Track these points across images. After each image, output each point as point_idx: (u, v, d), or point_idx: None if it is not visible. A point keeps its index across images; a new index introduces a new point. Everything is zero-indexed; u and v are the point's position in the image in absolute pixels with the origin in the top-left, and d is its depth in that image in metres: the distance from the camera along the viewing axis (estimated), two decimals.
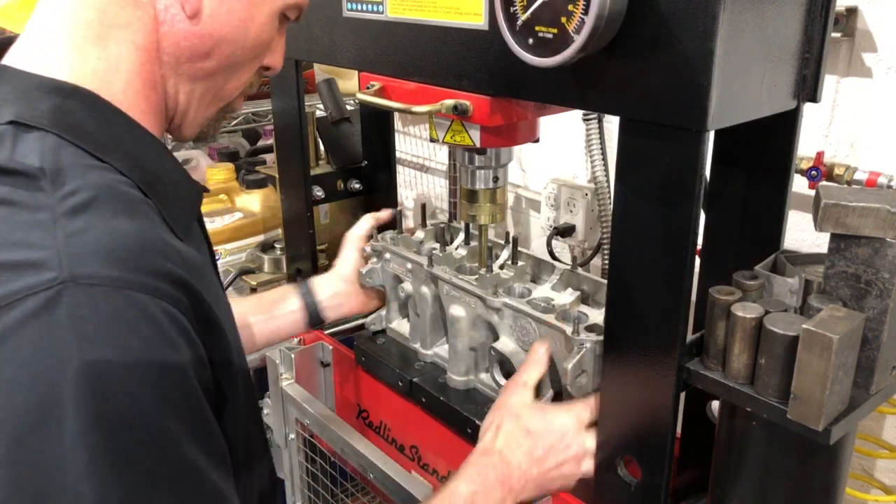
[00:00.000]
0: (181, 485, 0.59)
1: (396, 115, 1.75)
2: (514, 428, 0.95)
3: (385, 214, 1.34)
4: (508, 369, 1.07)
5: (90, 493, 0.53)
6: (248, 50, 0.78)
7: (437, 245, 1.30)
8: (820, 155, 1.27)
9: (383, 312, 1.32)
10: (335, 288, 1.28)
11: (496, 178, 1.12)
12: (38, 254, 0.57)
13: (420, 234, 1.34)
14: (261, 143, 2.92)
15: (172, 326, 0.60)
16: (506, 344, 1.07)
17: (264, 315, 1.22)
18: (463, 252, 1.24)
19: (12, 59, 0.71)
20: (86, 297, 0.56)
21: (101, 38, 0.70)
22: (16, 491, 0.53)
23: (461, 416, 1.10)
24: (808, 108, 0.88)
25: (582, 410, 0.95)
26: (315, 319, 1.27)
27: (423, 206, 1.40)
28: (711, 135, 0.80)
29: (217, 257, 2.01)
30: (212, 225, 2.12)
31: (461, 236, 1.31)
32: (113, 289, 0.57)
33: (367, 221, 1.34)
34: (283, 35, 0.84)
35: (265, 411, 1.53)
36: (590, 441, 0.93)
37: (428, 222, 1.36)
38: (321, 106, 1.65)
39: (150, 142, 0.73)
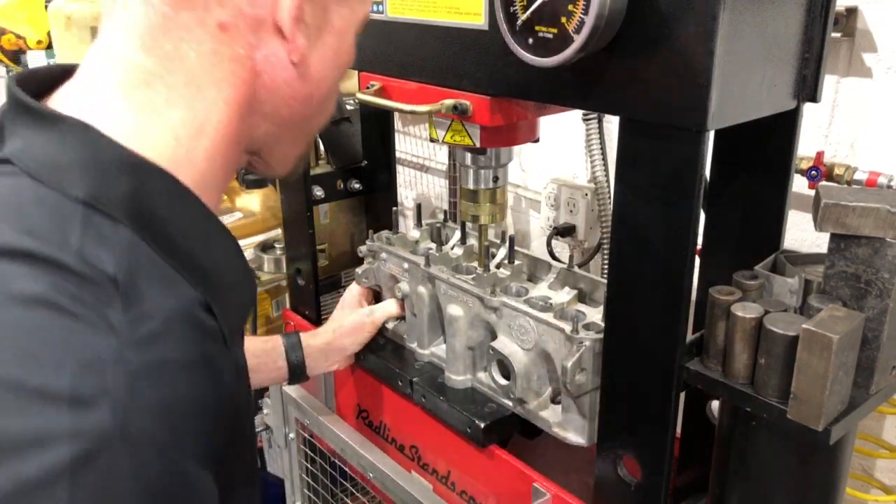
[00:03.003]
0: None
1: (396, 115, 1.75)
2: None
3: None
4: (507, 369, 1.07)
5: None
6: (338, 81, 0.74)
7: (433, 245, 1.30)
8: (820, 155, 1.27)
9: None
10: (325, 352, 1.26)
11: (496, 178, 1.12)
12: (91, 388, 0.49)
13: (415, 234, 1.34)
14: None
15: (208, 498, 0.56)
16: (504, 343, 1.07)
17: (249, 367, 1.20)
18: (459, 251, 1.24)
19: (70, 106, 0.61)
20: (128, 459, 0.49)
21: (187, 101, 0.62)
22: None
23: (460, 416, 1.10)
24: (808, 108, 0.88)
25: None
26: (297, 379, 1.26)
27: (419, 206, 1.40)
28: (711, 135, 0.80)
29: None
30: None
31: (457, 235, 1.31)
32: (159, 454, 0.52)
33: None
34: None
35: (265, 411, 1.53)
36: None
37: (423, 222, 1.36)
38: None
39: (222, 238, 0.66)
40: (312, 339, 1.25)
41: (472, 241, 1.26)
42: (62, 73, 0.65)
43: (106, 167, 0.58)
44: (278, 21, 0.64)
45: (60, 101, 0.62)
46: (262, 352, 1.22)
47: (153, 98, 0.61)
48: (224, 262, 0.65)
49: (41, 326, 0.50)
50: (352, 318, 1.28)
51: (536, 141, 1.08)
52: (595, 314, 1.05)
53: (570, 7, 0.75)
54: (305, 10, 0.64)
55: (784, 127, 0.87)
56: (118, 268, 0.54)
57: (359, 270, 1.34)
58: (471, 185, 1.12)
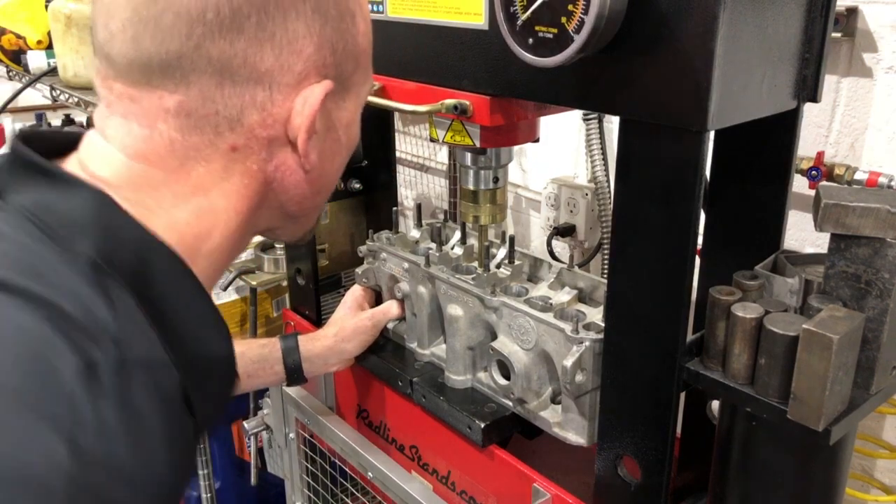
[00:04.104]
0: None
1: (396, 114, 1.75)
2: None
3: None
4: (507, 369, 1.07)
5: None
6: (346, 162, 0.75)
7: (433, 245, 1.30)
8: (820, 155, 1.27)
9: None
10: (325, 356, 1.26)
11: (496, 179, 1.12)
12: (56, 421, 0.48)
13: (416, 234, 1.34)
14: None
15: None
16: (504, 343, 1.07)
17: (246, 373, 1.20)
18: (459, 251, 1.24)
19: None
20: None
21: (193, 207, 0.63)
22: None
23: (460, 416, 1.10)
24: (808, 108, 0.88)
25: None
26: (295, 382, 1.26)
27: (419, 206, 1.40)
28: (711, 135, 0.80)
29: None
30: None
31: (457, 235, 1.31)
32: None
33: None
34: None
35: (265, 411, 1.53)
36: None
37: (423, 222, 1.36)
38: None
39: (216, 327, 0.65)
40: (312, 343, 1.25)
41: (473, 241, 1.26)
42: (65, 144, 0.65)
43: (118, 235, 0.58)
44: (291, 137, 0.65)
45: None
46: (259, 357, 1.22)
47: (160, 199, 0.62)
48: (214, 351, 0.65)
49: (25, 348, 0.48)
50: (353, 322, 1.28)
51: (536, 141, 1.08)
52: (595, 314, 1.05)
53: (570, 7, 0.75)
54: (318, 119, 0.65)
55: (784, 127, 0.87)
56: (120, 330, 0.53)
57: (359, 270, 1.34)
58: (471, 186, 1.12)
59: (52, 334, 0.50)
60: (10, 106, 2.56)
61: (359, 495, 1.37)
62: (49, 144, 0.64)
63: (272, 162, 0.66)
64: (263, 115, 0.63)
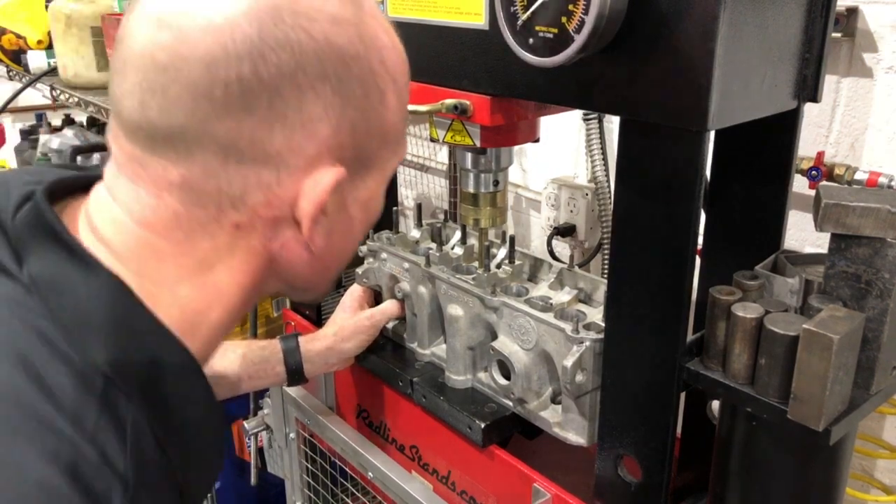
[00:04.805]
0: None
1: None
2: None
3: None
4: (507, 369, 1.07)
5: None
6: (362, 236, 0.73)
7: (434, 245, 1.30)
8: (820, 155, 1.27)
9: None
10: (325, 356, 1.25)
11: (496, 182, 1.11)
12: None
13: (416, 234, 1.34)
14: None
15: None
16: (504, 343, 1.07)
17: (247, 374, 1.20)
18: (460, 251, 1.24)
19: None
20: None
21: (198, 281, 0.62)
22: None
23: (460, 416, 1.10)
24: (808, 108, 0.88)
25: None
26: (296, 382, 1.26)
27: (419, 206, 1.40)
28: (712, 135, 0.80)
29: None
30: None
31: (457, 235, 1.31)
32: None
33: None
34: None
35: (265, 411, 1.53)
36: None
37: (423, 222, 1.36)
38: None
39: (214, 414, 0.65)
40: (312, 344, 1.25)
41: (473, 241, 1.26)
42: (75, 185, 0.65)
43: (132, 333, 0.58)
44: (297, 218, 0.62)
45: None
46: (260, 359, 1.22)
47: (165, 273, 0.61)
48: (207, 442, 0.65)
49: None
50: (353, 322, 1.28)
51: (536, 141, 1.08)
52: (595, 314, 1.05)
53: (571, 7, 0.75)
54: (328, 203, 0.63)
55: (784, 127, 0.87)
56: (128, 466, 0.54)
57: (359, 270, 1.34)
58: (471, 189, 1.12)
59: (71, 494, 0.50)
60: (10, 106, 2.56)
61: (359, 495, 1.37)
62: (63, 188, 0.64)
63: (277, 241, 0.64)
64: (269, 196, 0.61)
